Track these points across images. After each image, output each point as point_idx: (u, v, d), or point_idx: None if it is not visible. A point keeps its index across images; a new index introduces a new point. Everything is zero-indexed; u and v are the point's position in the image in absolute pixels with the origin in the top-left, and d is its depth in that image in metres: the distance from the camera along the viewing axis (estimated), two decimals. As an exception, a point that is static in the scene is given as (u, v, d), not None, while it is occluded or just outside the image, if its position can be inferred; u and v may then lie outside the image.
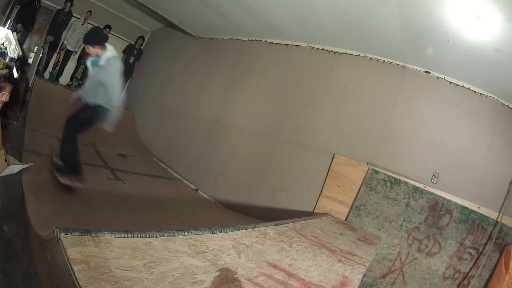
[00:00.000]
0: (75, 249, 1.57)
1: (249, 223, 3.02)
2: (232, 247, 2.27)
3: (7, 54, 4.54)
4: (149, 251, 1.80)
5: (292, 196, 5.74)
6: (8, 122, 5.82)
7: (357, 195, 5.11)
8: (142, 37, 10.22)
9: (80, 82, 9.74)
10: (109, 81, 4.35)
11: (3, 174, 3.91)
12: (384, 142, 5.25)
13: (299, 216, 4.66)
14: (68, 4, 8.87)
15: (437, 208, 4.68)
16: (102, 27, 9.28)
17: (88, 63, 4.60)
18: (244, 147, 6.62)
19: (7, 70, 4.33)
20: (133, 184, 5.59)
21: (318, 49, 6.15)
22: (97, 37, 4.43)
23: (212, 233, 2.35)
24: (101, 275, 1.47)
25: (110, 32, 9.56)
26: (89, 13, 9.31)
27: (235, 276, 1.86)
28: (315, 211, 5.36)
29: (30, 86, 7.96)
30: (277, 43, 6.78)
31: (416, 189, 4.80)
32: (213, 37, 8.23)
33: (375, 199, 4.97)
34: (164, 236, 2.00)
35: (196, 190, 7.03)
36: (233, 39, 7.66)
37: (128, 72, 9.77)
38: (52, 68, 9.35)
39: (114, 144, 7.46)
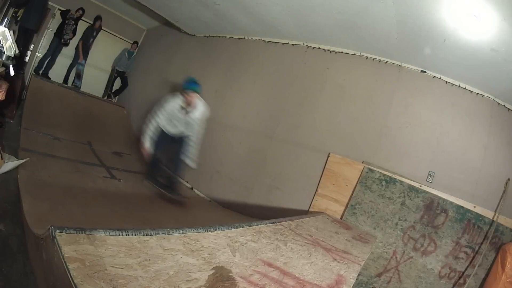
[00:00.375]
0: (70, 247, 1.56)
1: (244, 222, 3.02)
2: (227, 245, 2.27)
3: (4, 52, 4.53)
4: (143, 249, 1.80)
5: (287, 194, 5.75)
6: (4, 120, 5.79)
7: (352, 194, 5.12)
8: (100, 18, 9.54)
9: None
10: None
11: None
12: (379, 141, 5.27)
13: (295, 214, 4.66)
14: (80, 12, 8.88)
15: (433, 207, 4.70)
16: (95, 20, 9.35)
17: (176, 105, 5.30)
18: (239, 145, 6.62)
19: (3, 68, 4.31)
20: (128, 183, 5.58)
21: (314, 48, 6.16)
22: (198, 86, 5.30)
23: (207, 231, 2.35)
24: (96, 273, 1.47)
25: (102, 26, 9.55)
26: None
27: (230, 274, 1.86)
28: (310, 209, 5.38)
29: (26, 84, 7.93)
30: (273, 42, 6.79)
31: (411, 188, 4.82)
32: (209, 36, 8.23)
33: (371, 198, 4.98)
34: (159, 234, 2.00)
35: (192, 188, 7.03)
36: (229, 38, 7.66)
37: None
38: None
39: (109, 142, 7.45)
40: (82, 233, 1.71)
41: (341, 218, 5.09)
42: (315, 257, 2.73)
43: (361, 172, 5.14)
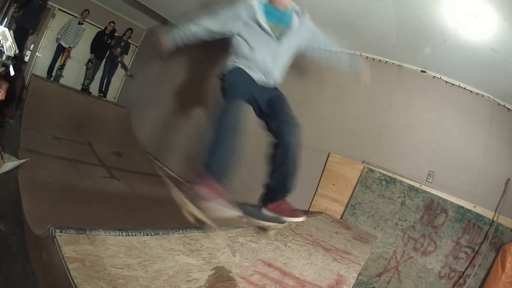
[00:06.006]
0: (70, 247, 1.56)
1: (244, 222, 3.01)
2: (226, 245, 2.27)
3: (4, 52, 4.54)
4: (144, 249, 1.80)
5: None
6: (4, 120, 5.79)
7: (352, 194, 5.13)
8: (131, 29, 9.89)
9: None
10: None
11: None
12: (379, 141, 5.27)
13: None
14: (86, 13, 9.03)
15: (433, 207, 4.70)
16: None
17: (260, 13, 2.77)
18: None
19: (3, 68, 4.31)
20: (128, 182, 5.58)
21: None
22: None
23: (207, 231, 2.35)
24: (96, 273, 1.47)
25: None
26: (86, 12, 9.27)
27: (230, 274, 1.86)
28: (310, 209, 5.38)
29: (26, 84, 7.93)
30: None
31: (411, 188, 4.82)
32: (211, 36, 8.17)
33: (371, 198, 4.99)
34: (159, 234, 2.01)
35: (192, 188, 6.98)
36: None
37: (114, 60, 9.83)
38: (57, 69, 9.31)
39: (109, 142, 7.44)
40: (82, 233, 1.71)
41: (341, 218, 5.09)
42: (315, 257, 2.73)
43: (361, 172, 5.14)
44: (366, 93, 5.52)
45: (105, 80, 9.85)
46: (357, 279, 4.49)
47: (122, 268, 1.57)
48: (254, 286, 1.81)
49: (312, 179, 5.52)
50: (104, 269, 1.52)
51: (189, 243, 2.08)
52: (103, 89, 9.86)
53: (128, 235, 1.87)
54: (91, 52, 9.43)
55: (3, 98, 4.17)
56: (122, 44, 9.73)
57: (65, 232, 1.65)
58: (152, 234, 1.99)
